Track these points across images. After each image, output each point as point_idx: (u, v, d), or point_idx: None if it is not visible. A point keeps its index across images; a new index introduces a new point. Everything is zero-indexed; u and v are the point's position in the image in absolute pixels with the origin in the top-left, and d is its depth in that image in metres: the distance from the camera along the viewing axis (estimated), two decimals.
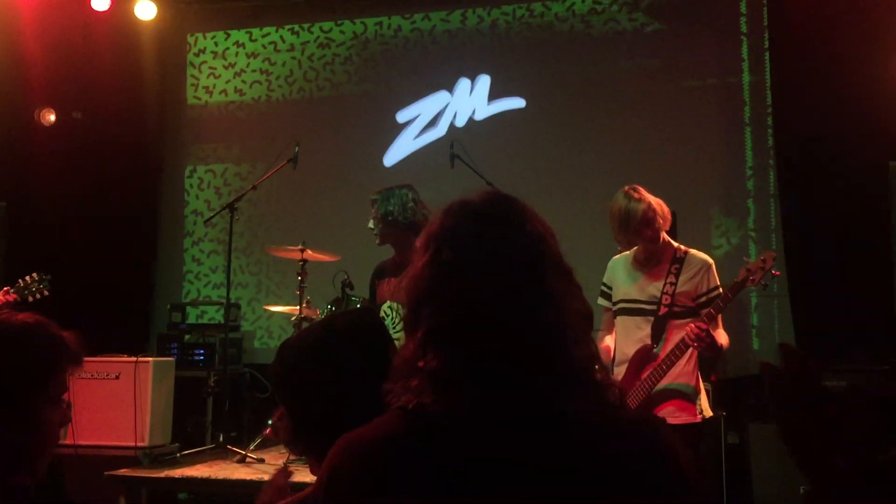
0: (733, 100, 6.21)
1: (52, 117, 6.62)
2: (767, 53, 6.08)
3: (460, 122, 6.75)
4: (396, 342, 3.77)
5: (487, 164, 6.37)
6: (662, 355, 3.30)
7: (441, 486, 1.00)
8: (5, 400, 1.50)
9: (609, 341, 3.55)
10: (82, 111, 6.81)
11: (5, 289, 4.31)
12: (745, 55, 6.22)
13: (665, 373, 3.28)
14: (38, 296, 4.45)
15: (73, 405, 4.85)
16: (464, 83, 6.78)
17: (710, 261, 3.44)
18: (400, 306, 3.85)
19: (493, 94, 6.72)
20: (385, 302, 4.00)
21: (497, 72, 6.75)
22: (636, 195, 3.32)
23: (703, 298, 3.35)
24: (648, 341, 3.36)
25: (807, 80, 5.67)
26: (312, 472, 1.50)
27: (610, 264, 3.66)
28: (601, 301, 3.64)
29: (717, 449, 4.86)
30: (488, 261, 1.07)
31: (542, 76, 6.66)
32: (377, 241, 4.11)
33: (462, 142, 5.30)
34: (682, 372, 3.33)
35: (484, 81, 6.73)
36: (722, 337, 3.33)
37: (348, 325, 1.53)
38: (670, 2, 6.42)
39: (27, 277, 4.53)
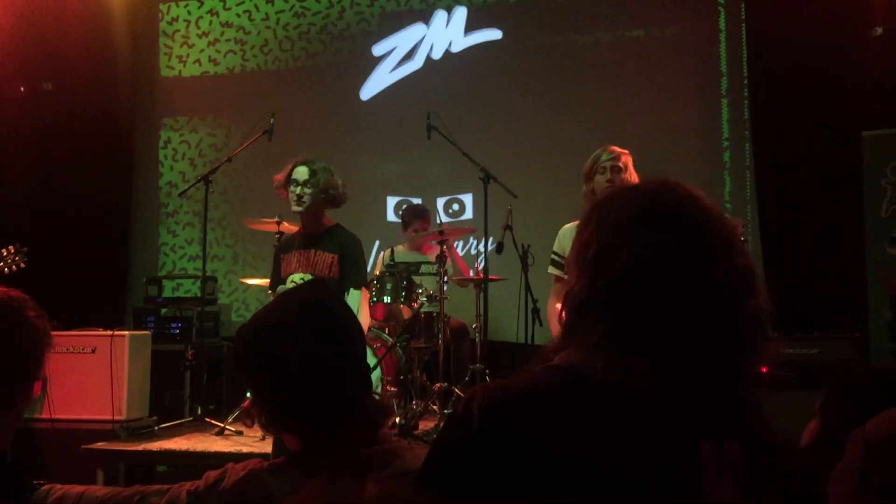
0: (711, 72, 6.22)
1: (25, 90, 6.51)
2: (744, 25, 6.08)
3: (437, 55, 6.78)
4: None
5: (464, 96, 6.57)
6: None
7: (590, 451, 0.99)
8: None
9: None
10: (52, 82, 6.68)
11: None
12: (722, 27, 6.22)
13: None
14: (14, 268, 4.39)
15: (48, 380, 4.83)
16: (440, 15, 6.78)
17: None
18: (309, 276, 3.79)
19: (470, 26, 6.72)
20: (296, 274, 3.90)
21: (473, 3, 6.75)
22: (611, 147, 3.48)
23: None
24: None
25: (782, 52, 5.70)
26: (289, 447, 1.50)
27: (561, 233, 3.70)
28: (552, 270, 3.70)
29: None
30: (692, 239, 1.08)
31: (519, 8, 6.66)
32: (299, 207, 3.91)
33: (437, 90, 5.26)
34: None
35: (460, 13, 6.73)
36: None
37: (301, 300, 1.54)
38: None
39: (3, 250, 4.45)
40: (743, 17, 6.10)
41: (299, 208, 3.92)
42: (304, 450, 1.46)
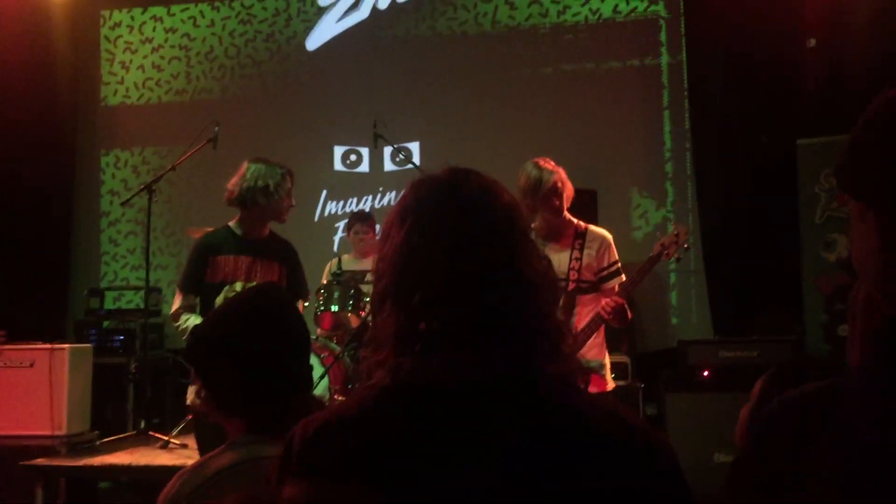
0: (653, 84, 6.36)
1: None
2: (683, 38, 6.24)
3: (382, 5, 6.83)
4: None
5: (409, 48, 6.66)
6: (576, 331, 3.35)
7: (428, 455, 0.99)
8: None
9: None
10: None
11: None
12: (663, 40, 6.36)
13: (580, 348, 3.34)
14: None
15: None
16: None
17: (609, 236, 3.52)
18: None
19: None
20: (238, 282, 3.53)
21: None
22: (548, 165, 3.38)
23: (605, 272, 3.43)
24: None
25: (720, 64, 5.86)
26: (233, 435, 1.61)
27: None
28: None
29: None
30: (464, 229, 1.08)
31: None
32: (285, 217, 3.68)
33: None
34: (593, 345, 3.42)
35: None
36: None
37: (252, 297, 1.71)
38: None
39: None
40: (682, 31, 6.25)
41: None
42: (246, 435, 1.58)
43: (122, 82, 7.22)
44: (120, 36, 7.25)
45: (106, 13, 7.25)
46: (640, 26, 6.42)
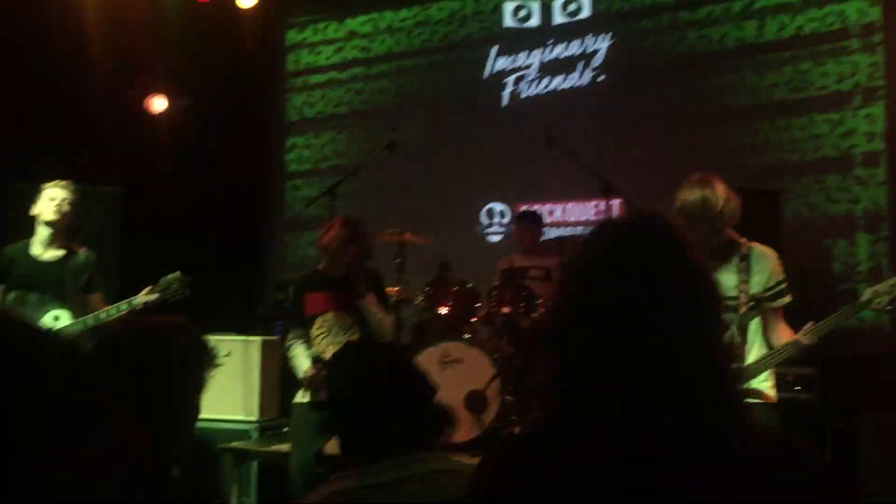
0: None
1: (163, 104, 6.93)
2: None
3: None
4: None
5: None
6: (750, 356, 3.24)
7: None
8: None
9: None
10: (190, 95, 7.08)
11: (148, 287, 4.05)
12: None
13: (756, 375, 3.21)
14: (178, 296, 4.08)
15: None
16: None
17: (775, 254, 3.31)
18: (333, 317, 4.01)
19: None
20: (327, 313, 4.07)
21: None
22: (717, 188, 3.13)
23: (771, 292, 3.24)
24: (732, 339, 3.22)
25: None
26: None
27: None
28: None
29: (821, 435, 4.71)
30: (651, 289, 1.06)
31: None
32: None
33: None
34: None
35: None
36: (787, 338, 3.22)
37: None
38: None
39: (170, 276, 4.11)
40: (880, 26, 5.79)
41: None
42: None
43: (306, 83, 7.67)
44: (304, 39, 7.70)
45: (290, 21, 7.73)
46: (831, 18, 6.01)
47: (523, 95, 6.92)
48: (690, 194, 3.14)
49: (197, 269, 6.54)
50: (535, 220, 5.89)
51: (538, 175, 6.58)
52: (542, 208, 6.47)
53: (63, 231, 4.07)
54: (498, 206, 6.95)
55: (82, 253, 4.14)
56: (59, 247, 4.08)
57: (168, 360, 1.65)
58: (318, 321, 4.04)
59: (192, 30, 6.80)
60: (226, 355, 5.21)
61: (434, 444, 1.90)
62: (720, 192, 3.13)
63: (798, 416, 4.48)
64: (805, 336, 3.11)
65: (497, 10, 7.06)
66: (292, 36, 7.75)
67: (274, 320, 6.17)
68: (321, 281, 4.18)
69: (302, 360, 4.06)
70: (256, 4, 6.82)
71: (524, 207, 6.41)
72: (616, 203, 5.76)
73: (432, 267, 5.25)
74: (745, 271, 3.24)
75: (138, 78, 6.79)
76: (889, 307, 3.08)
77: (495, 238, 6.93)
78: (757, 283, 3.24)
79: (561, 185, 6.47)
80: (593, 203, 6.46)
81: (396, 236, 5.11)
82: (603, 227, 1.18)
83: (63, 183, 4.05)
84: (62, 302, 4.01)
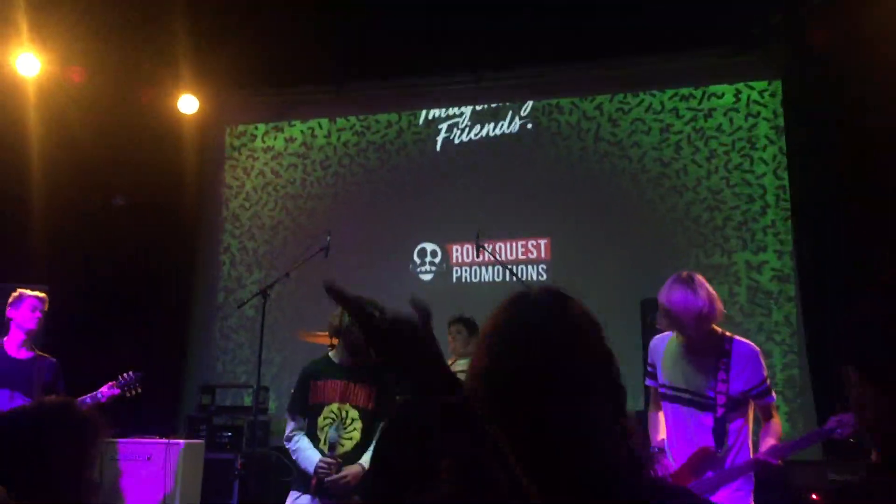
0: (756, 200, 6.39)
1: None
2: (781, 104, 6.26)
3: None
4: (349, 441, 3.67)
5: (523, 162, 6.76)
6: (728, 460, 3.16)
7: None
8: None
9: (661, 419, 3.38)
10: (125, 196, 7.10)
11: (111, 383, 4.58)
12: (767, 157, 6.41)
13: (732, 479, 3.14)
14: (134, 392, 4.66)
15: (103, 485, 4.96)
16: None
17: (757, 349, 3.23)
18: (348, 407, 3.80)
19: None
20: (333, 404, 3.83)
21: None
22: (699, 288, 3.11)
23: (755, 392, 3.16)
24: (705, 441, 3.18)
25: (825, 184, 5.81)
26: None
27: (653, 344, 3.44)
28: (649, 381, 3.45)
29: None
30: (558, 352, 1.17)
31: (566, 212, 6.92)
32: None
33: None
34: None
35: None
36: (775, 436, 3.18)
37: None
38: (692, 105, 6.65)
39: (125, 374, 4.69)
40: (784, 150, 6.32)
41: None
42: None
43: (242, 186, 7.77)
44: (244, 144, 7.85)
45: (230, 129, 7.90)
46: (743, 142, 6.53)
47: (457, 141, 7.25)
48: (667, 293, 3.13)
49: (119, 367, 6.44)
50: (467, 326, 5.95)
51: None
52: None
53: (35, 336, 4.54)
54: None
55: (47, 357, 4.58)
56: (31, 349, 4.56)
57: (44, 439, 1.68)
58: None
59: (133, 132, 6.90)
60: (147, 459, 5.08)
61: None
62: (703, 291, 3.10)
63: None
64: (765, 454, 3.07)
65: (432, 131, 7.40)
66: (231, 140, 7.91)
67: (199, 423, 6.05)
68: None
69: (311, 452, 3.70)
70: (198, 110, 7.01)
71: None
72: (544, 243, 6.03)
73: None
74: (725, 370, 3.16)
75: (81, 179, 6.79)
76: (851, 439, 3.11)
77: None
78: (737, 382, 3.15)
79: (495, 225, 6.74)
80: (521, 242, 6.82)
81: (329, 338, 5.13)
82: (511, 303, 1.28)
83: (42, 294, 4.52)
84: (29, 398, 4.33)
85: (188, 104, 6.96)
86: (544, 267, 6.83)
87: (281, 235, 7.54)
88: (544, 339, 1.17)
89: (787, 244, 6.24)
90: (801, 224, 6.04)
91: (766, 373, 3.20)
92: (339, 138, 7.60)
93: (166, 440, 5.11)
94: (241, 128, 7.88)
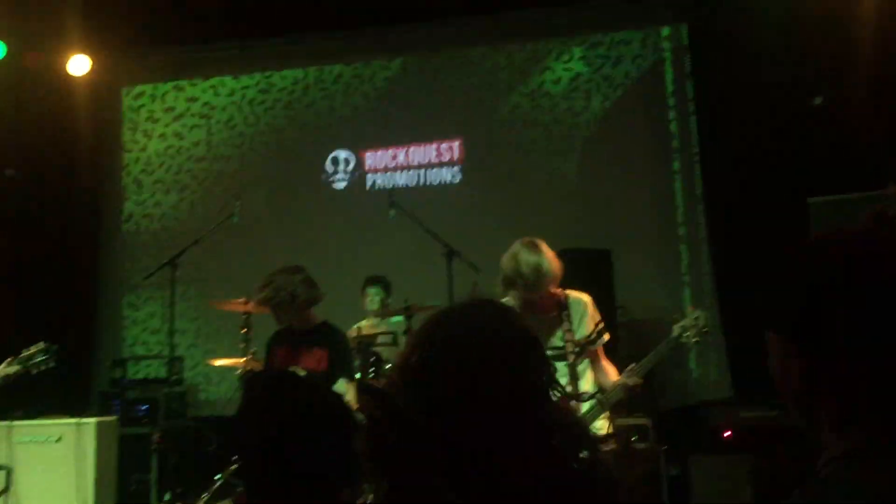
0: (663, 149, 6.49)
1: None
2: (692, 103, 6.37)
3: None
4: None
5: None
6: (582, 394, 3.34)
7: None
8: None
9: None
10: (16, 168, 6.69)
11: (8, 359, 3.87)
12: (671, 104, 6.50)
13: (592, 420, 3.31)
14: (42, 368, 3.94)
15: (13, 470, 4.73)
16: None
17: (588, 298, 3.48)
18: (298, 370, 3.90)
19: None
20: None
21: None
22: (546, 253, 3.28)
23: (594, 335, 3.39)
24: (568, 389, 3.30)
25: (731, 127, 5.96)
26: None
27: None
28: None
29: (658, 481, 4.97)
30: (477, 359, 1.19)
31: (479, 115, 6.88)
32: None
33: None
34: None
35: None
36: (613, 374, 3.40)
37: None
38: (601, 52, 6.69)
39: (32, 347, 3.98)
40: (691, 96, 6.39)
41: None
42: None
43: (144, 150, 7.42)
44: (143, 105, 7.48)
45: (127, 89, 7.49)
46: (650, 88, 6.58)
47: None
48: (523, 259, 3.26)
49: (24, 343, 6.14)
50: (385, 288, 5.91)
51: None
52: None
53: None
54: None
55: None
56: None
57: None
58: None
59: (19, 99, 6.49)
60: (56, 440, 4.88)
61: None
62: (549, 255, 3.27)
63: (636, 464, 4.74)
64: (629, 377, 3.28)
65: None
66: (129, 102, 7.51)
67: (112, 398, 5.84)
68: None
69: None
70: (90, 71, 6.60)
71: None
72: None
73: None
74: (568, 321, 3.38)
75: None
76: (696, 339, 3.30)
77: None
78: (578, 329, 3.38)
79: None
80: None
81: (241, 306, 5.00)
82: (444, 312, 1.30)
83: None
84: None
85: (79, 65, 6.53)
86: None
87: (188, 200, 7.26)
88: (472, 355, 1.19)
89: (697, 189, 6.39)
90: (709, 172, 6.18)
91: (599, 317, 3.46)
92: (244, 96, 7.32)
93: (76, 419, 4.90)
94: (138, 88, 7.49)
